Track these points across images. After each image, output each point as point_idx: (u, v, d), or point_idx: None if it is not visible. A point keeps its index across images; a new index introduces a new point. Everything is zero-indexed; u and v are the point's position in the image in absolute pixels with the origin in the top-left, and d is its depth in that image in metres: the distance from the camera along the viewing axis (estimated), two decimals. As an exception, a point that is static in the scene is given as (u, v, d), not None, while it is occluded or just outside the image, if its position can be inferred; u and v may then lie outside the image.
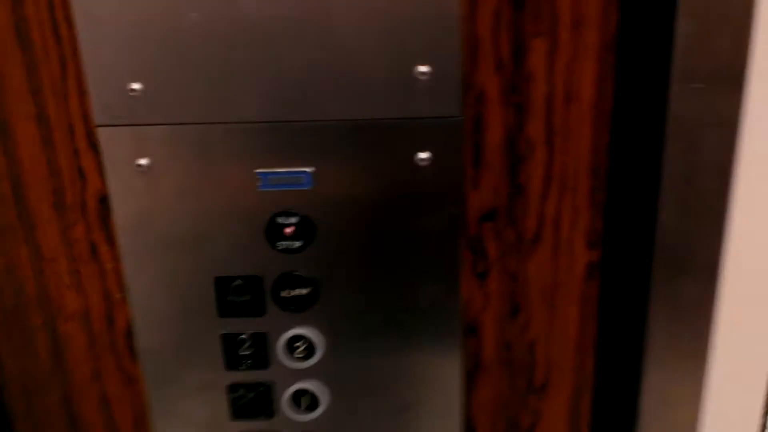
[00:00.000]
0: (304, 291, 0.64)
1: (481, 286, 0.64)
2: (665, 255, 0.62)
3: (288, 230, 0.61)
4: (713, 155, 0.58)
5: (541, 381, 0.68)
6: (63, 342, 0.68)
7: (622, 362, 0.68)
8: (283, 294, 0.64)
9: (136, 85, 0.57)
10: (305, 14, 0.55)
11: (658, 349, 0.68)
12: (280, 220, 0.61)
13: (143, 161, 0.59)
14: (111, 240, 0.63)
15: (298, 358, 0.66)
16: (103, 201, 0.61)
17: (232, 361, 0.66)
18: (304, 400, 0.69)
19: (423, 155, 0.58)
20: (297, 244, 0.61)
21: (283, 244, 0.61)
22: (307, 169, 0.59)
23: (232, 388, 0.68)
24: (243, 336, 0.66)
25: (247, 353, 0.66)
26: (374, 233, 0.62)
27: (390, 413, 0.70)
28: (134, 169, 0.59)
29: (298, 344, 0.66)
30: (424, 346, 0.66)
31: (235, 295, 0.64)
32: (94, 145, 0.59)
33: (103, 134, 0.58)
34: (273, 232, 0.61)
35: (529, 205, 0.60)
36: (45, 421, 0.71)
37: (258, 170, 0.59)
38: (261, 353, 0.66)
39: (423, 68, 0.55)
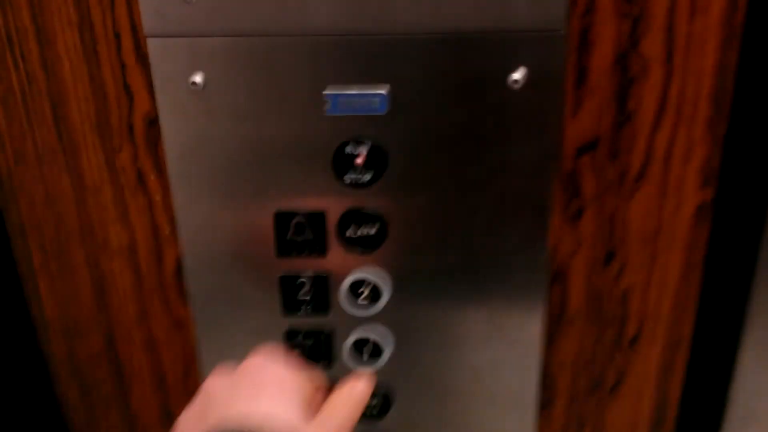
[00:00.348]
0: (371, 230, 0.57)
1: (573, 228, 0.56)
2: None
3: (358, 160, 0.53)
4: None
5: (631, 335, 0.61)
6: (107, 280, 0.61)
7: (724, 318, 0.61)
8: (349, 233, 0.57)
9: (189, -11, 0.49)
10: None
11: (763, 303, 0.60)
12: (349, 149, 0.53)
13: (197, 78, 0.51)
14: (160, 168, 0.56)
15: (361, 303, 0.60)
16: (152, 123, 0.54)
17: (291, 306, 0.60)
18: (367, 350, 0.62)
19: (517, 75, 0.49)
20: (367, 176, 0.54)
21: (351, 176, 0.54)
22: (382, 91, 0.51)
23: (290, 334, 0.61)
24: (303, 278, 0.59)
25: (306, 297, 0.60)
26: (454, 165, 0.54)
27: (459, 367, 0.63)
28: (187, 87, 0.52)
29: (362, 289, 0.59)
30: (502, 293, 0.59)
31: (296, 233, 0.57)
32: (143, 59, 0.52)
33: (153, 46, 0.51)
34: (340, 162, 0.54)
35: (637, 136, 0.52)
36: (86, 365, 0.66)
37: (326, 91, 0.51)
38: (322, 297, 0.60)
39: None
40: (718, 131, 0.51)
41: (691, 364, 0.64)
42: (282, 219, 0.56)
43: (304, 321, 0.61)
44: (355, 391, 0.49)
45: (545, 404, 0.65)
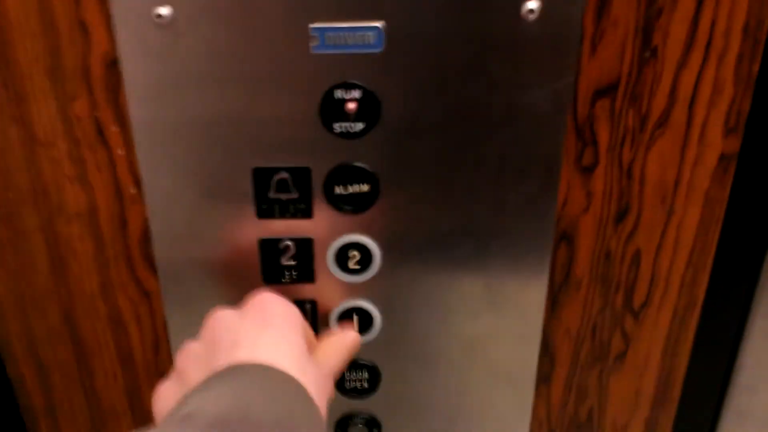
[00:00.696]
0: (363, 187, 0.50)
1: (585, 182, 0.50)
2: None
3: (350, 107, 0.46)
4: None
5: (641, 300, 0.55)
6: (65, 248, 0.54)
7: (736, 283, 0.55)
8: (338, 191, 0.50)
9: None
10: None
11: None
12: (339, 93, 0.46)
13: (164, 11, 0.44)
14: (122, 118, 0.48)
15: (351, 270, 0.53)
16: (112, 66, 0.46)
17: (272, 273, 0.53)
18: (355, 321, 0.56)
19: (531, 4, 0.43)
20: (358, 126, 0.47)
21: (341, 125, 0.47)
22: (377, 24, 0.44)
23: (271, 305, 0.55)
24: (285, 242, 0.52)
25: (290, 263, 0.53)
26: (457, 113, 0.47)
27: (454, 338, 0.57)
28: (152, 22, 0.44)
29: (352, 254, 0.53)
30: (504, 257, 0.53)
31: (279, 191, 0.50)
32: (99, -12, 0.44)
33: (110, -29, 0.43)
34: (329, 109, 0.47)
35: (662, 76, 0.45)
36: (44, 343, 0.58)
37: (313, 25, 0.44)
38: (306, 263, 0.53)
39: None
40: (750, 70, 0.45)
41: (698, 331, 0.58)
42: (262, 175, 0.49)
43: (286, 290, 0.54)
44: (348, 338, 0.50)
45: (545, 376, 0.60)
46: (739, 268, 0.55)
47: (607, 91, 0.46)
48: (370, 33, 0.44)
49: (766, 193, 0.50)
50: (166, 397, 0.44)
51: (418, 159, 0.49)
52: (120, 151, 0.49)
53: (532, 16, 0.43)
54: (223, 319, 0.45)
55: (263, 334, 0.43)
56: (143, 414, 0.62)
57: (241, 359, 0.41)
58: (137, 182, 0.50)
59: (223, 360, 0.41)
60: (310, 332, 0.50)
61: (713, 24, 0.44)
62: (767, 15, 0.43)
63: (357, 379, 0.59)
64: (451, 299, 0.56)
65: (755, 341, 0.58)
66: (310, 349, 0.48)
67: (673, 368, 0.59)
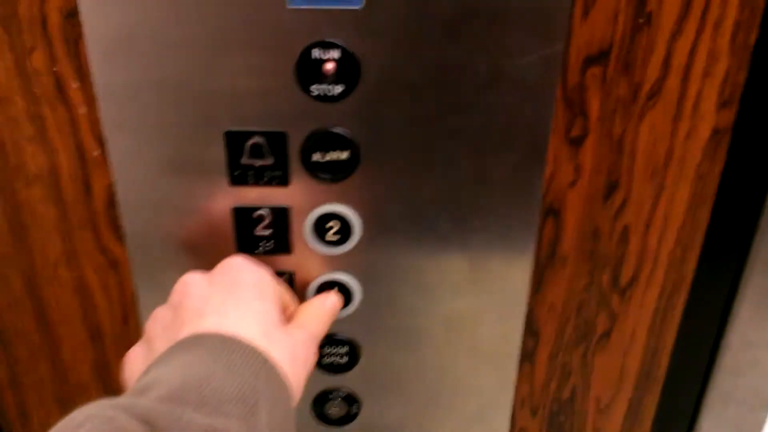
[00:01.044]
0: (342, 154, 0.47)
1: (573, 154, 0.48)
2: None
3: (328, 67, 0.43)
4: None
5: (628, 278, 0.53)
6: (25, 213, 0.51)
7: (727, 261, 0.54)
8: (315, 157, 0.47)
9: None
10: None
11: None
12: (317, 53, 0.43)
13: (128, -41, 0.41)
14: (83, 74, 0.45)
15: (329, 241, 0.51)
16: (71, 16, 0.43)
17: (246, 243, 0.51)
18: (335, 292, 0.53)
19: (522, -36, 0.40)
20: (337, 89, 0.44)
21: (318, 88, 0.44)
22: (358, -20, 0.41)
23: (244, 276, 0.52)
24: (261, 211, 0.49)
25: (265, 233, 0.50)
26: (440, 78, 0.45)
27: (435, 314, 0.55)
28: (115, -29, 0.41)
29: (330, 224, 0.50)
30: (488, 231, 0.51)
31: (252, 157, 0.47)
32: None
33: None
34: (306, 70, 0.44)
35: (656, 44, 0.43)
36: (5, 313, 0.55)
37: (289, -21, 0.41)
38: (283, 234, 0.50)
39: None
40: (747, 40, 0.43)
41: (685, 310, 0.57)
42: (235, 140, 0.47)
43: (262, 261, 0.51)
44: (328, 302, 0.50)
45: (528, 354, 0.58)
46: (728, 247, 0.53)
47: (598, 58, 0.44)
48: (350, -12, 0.41)
49: (759, 169, 0.48)
50: (134, 362, 0.43)
51: (400, 126, 0.47)
52: (82, 110, 0.46)
53: (522, -26, 0.40)
54: (191, 284, 0.43)
55: (229, 302, 0.41)
56: (112, 387, 0.60)
57: (204, 329, 0.39)
58: (101, 144, 0.47)
59: (188, 329, 0.40)
60: (288, 296, 0.49)
61: (712, -12, 0.41)
62: (769, -21, 0.41)
63: (335, 354, 0.57)
64: (432, 274, 0.53)
65: (742, 322, 0.57)
66: (289, 314, 0.47)
67: (659, 348, 0.57)
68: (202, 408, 0.34)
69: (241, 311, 0.41)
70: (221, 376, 0.36)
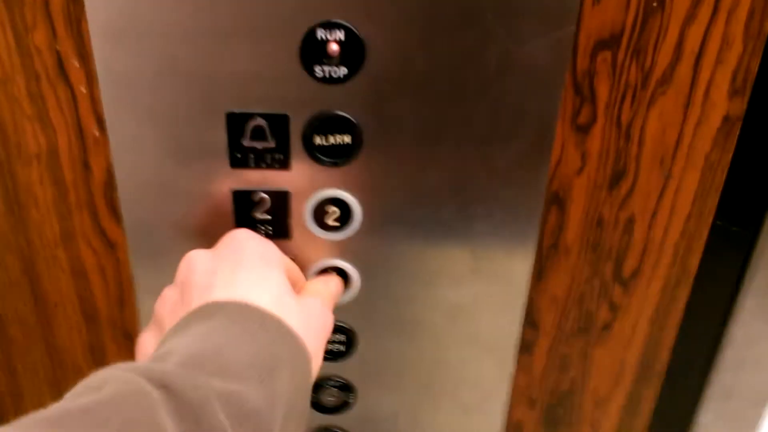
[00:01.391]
0: (345, 138, 0.46)
1: (581, 141, 0.46)
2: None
3: (332, 48, 0.42)
4: None
5: (631, 269, 0.52)
6: (23, 193, 0.50)
7: (733, 254, 0.52)
8: (317, 141, 0.46)
9: None
10: None
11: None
12: (321, 34, 0.42)
13: (130, -68, 0.39)
14: (84, 52, 0.44)
15: (329, 227, 0.49)
16: (73, -8, 0.42)
17: (245, 227, 0.49)
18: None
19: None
20: (341, 71, 0.43)
21: (322, 69, 0.43)
22: (365, -42, 0.40)
23: (243, 261, 0.51)
24: (261, 194, 0.48)
25: (264, 217, 0.49)
26: (448, 61, 0.43)
27: (435, 303, 0.54)
28: (117, -56, 0.40)
29: (330, 209, 0.49)
30: (491, 219, 0.50)
31: (254, 139, 0.46)
32: None
33: None
34: (310, 51, 0.43)
35: (668, 29, 0.42)
36: (2, 294, 0.54)
37: (295, -44, 0.40)
38: (282, 218, 0.49)
39: None
40: (762, 27, 0.42)
41: (688, 304, 0.56)
42: (236, 121, 0.45)
43: (260, 245, 0.50)
44: (332, 282, 0.50)
45: (527, 345, 0.57)
46: (734, 240, 0.52)
47: (609, 42, 0.43)
48: (357, -33, 0.40)
49: (767, 158, 0.47)
50: (145, 345, 0.42)
51: (404, 110, 0.45)
52: (83, 89, 0.45)
53: (533, -45, 0.39)
54: (196, 260, 0.43)
55: (238, 272, 0.40)
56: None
57: (216, 299, 0.38)
58: (101, 124, 0.46)
59: (197, 303, 0.39)
60: (296, 271, 0.48)
61: (727, -28, 0.40)
62: (786, -36, 0.40)
63: (332, 341, 0.56)
64: (433, 263, 0.52)
65: (745, 317, 0.56)
66: (298, 288, 0.46)
67: (660, 341, 0.56)
68: (219, 373, 0.33)
69: (250, 281, 0.40)
70: (238, 342, 0.35)
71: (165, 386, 0.31)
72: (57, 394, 0.32)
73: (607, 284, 0.53)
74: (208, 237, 0.50)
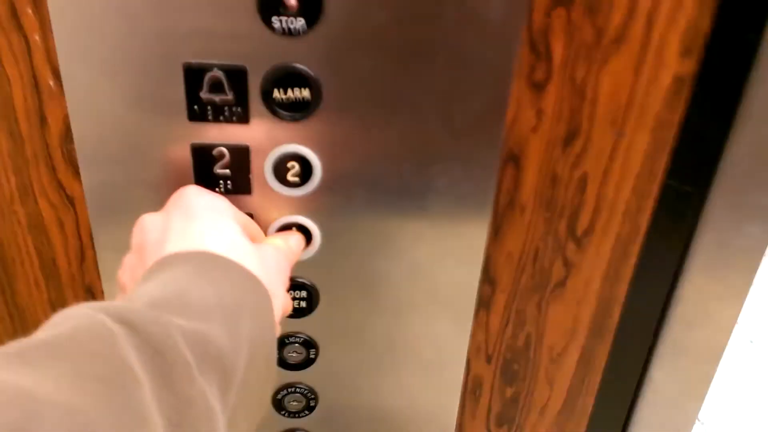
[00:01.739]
0: (303, 93, 0.46)
1: (536, 99, 0.47)
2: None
3: (290, 1, 0.42)
4: None
5: (584, 227, 0.53)
6: (-22, 145, 0.49)
7: (682, 212, 0.53)
8: (276, 94, 0.46)
9: None
10: None
11: (720, 205, 0.53)
12: (279, -15, 0.42)
13: None
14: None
15: (290, 183, 0.49)
16: (24, -64, 0.41)
17: (205, 182, 0.49)
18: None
19: None
20: (299, 23, 0.43)
21: (280, 20, 0.43)
22: None
23: (203, 216, 0.51)
24: (220, 148, 0.48)
25: (224, 172, 0.49)
26: (405, 15, 0.43)
27: (394, 259, 0.54)
28: None
29: (291, 165, 0.49)
30: (448, 177, 0.50)
31: (212, 92, 0.45)
32: None
33: None
34: (268, 2, 0.42)
35: (619, -12, 0.42)
36: (-42, 247, 0.53)
37: None
38: (243, 173, 0.49)
39: None
40: (712, -11, 0.42)
41: (639, 261, 0.57)
42: (193, 74, 0.45)
43: (220, 201, 0.50)
44: (292, 238, 0.50)
45: (485, 301, 0.58)
46: (684, 198, 0.53)
47: (563, 1, 0.43)
48: None
49: (717, 119, 0.48)
50: None
51: (363, 65, 0.45)
52: (37, 38, 0.44)
53: None
54: (147, 222, 0.42)
55: (191, 224, 0.41)
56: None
57: (172, 251, 0.38)
58: (56, 74, 0.45)
59: (154, 258, 0.39)
60: (254, 226, 0.48)
61: (679, -70, 0.40)
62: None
63: (294, 297, 0.56)
64: (392, 220, 0.52)
65: (695, 275, 0.57)
66: (257, 243, 0.45)
67: (612, 298, 0.57)
68: (183, 314, 0.33)
69: (204, 231, 0.40)
70: (200, 286, 0.35)
71: (127, 322, 0.31)
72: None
73: (561, 241, 0.54)
74: (168, 191, 0.49)
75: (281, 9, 0.42)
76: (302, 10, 0.42)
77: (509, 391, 0.64)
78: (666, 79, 0.46)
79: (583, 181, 0.50)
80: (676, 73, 0.45)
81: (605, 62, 0.45)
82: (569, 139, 0.48)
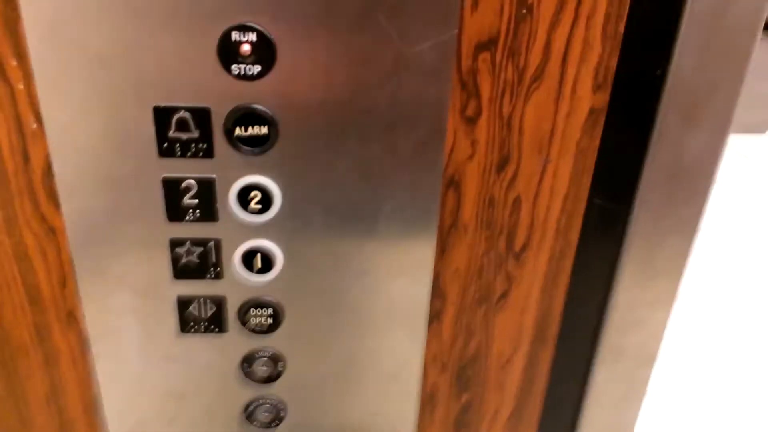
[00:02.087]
0: (262, 129, 0.50)
1: (470, 131, 0.52)
2: (673, 106, 0.52)
3: (245, 49, 0.47)
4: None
5: (521, 243, 0.58)
6: (-33, 183, 0.53)
7: (609, 227, 0.59)
8: (237, 132, 0.50)
9: None
10: None
11: (643, 220, 0.59)
12: (236, 36, 0.46)
13: (60, -54, 0.43)
14: (21, 52, 0.47)
15: (252, 210, 0.54)
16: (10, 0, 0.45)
17: (175, 212, 0.53)
18: (257, 262, 0.57)
19: (417, -41, 0.44)
20: (256, 69, 0.48)
21: (239, 67, 0.47)
22: (272, -30, 0.44)
23: (175, 242, 0.55)
24: (188, 181, 0.52)
25: (192, 203, 0.53)
26: (350, 60, 0.48)
27: (351, 277, 0.59)
28: (48, -44, 0.43)
29: (253, 194, 0.53)
30: (397, 201, 0.55)
31: (179, 131, 0.50)
32: None
33: None
34: (226, 52, 0.47)
35: (537, 33, 0.47)
36: (-52, 275, 0.57)
37: (210, -32, 0.44)
38: (209, 203, 0.53)
39: None
40: (617, 29, 0.48)
41: (573, 273, 0.62)
42: (162, 114, 0.49)
43: (190, 228, 0.54)
44: None
45: (436, 315, 0.62)
46: (611, 216, 0.58)
47: (488, 45, 0.48)
48: (265, -22, 0.44)
49: (630, 144, 0.53)
50: None
51: (315, 104, 0.50)
52: (20, 86, 0.48)
53: (416, -31, 0.44)
54: None
55: None
56: (53, 350, 0.62)
57: None
58: (38, 117, 0.49)
59: None
60: None
61: (582, -16, 0.46)
62: (629, -22, 0.46)
63: (261, 315, 0.60)
64: (347, 241, 0.57)
65: (625, 283, 0.62)
66: None
67: (551, 308, 0.62)
68: None
69: None
70: None
71: None
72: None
73: (501, 257, 0.59)
74: (141, 222, 0.54)
75: (239, 58, 0.47)
76: (258, 59, 0.47)
77: (464, 397, 0.68)
78: (583, 111, 0.51)
79: (517, 203, 0.55)
80: (592, 105, 0.51)
81: (528, 98, 0.50)
82: (502, 165, 0.53)
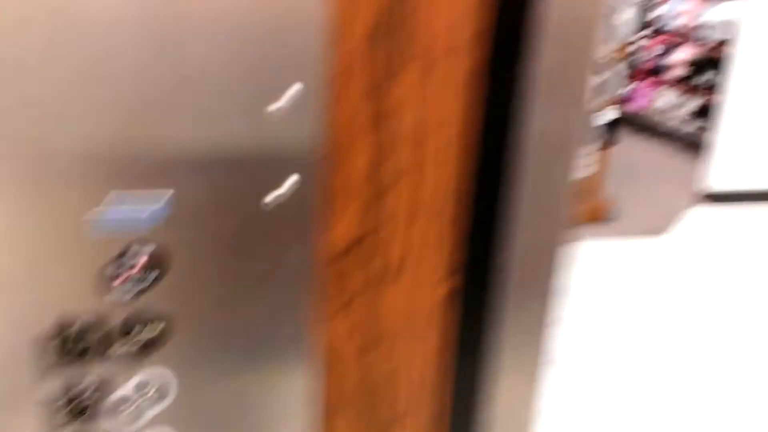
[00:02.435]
0: (151, 333, 0.55)
1: (347, 315, 0.58)
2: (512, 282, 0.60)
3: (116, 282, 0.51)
4: (557, 185, 0.56)
5: (403, 409, 0.63)
6: None
7: (474, 384, 0.65)
8: (126, 338, 0.54)
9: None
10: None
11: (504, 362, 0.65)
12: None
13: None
14: None
15: (149, 399, 0.57)
16: None
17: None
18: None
19: (269, 199, 0.52)
20: (143, 284, 0.52)
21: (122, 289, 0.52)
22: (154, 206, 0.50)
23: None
24: (85, 383, 0.55)
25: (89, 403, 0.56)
26: (226, 273, 0.54)
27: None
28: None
29: (147, 389, 0.57)
30: (278, 385, 0.60)
31: (76, 341, 0.53)
32: None
33: None
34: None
35: (396, 233, 0.55)
36: None
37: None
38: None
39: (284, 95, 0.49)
40: (463, 228, 0.56)
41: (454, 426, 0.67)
42: (59, 329, 0.53)
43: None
44: None
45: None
46: (472, 376, 0.64)
47: (355, 245, 0.55)
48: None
49: (480, 318, 0.60)
50: None
51: (206, 306, 0.55)
52: None
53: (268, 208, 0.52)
54: None
55: None
56: None
57: None
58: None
59: None
60: None
61: (432, 194, 0.54)
62: (469, 189, 0.54)
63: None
64: (232, 399, 0.60)
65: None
66: None
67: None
68: None
69: None
70: None
71: None
72: None
73: (384, 425, 0.64)
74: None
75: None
76: (147, 275, 0.52)
77: None
78: (440, 293, 0.58)
79: (393, 374, 0.61)
80: (447, 288, 0.58)
81: (393, 285, 0.57)
82: (377, 343, 0.59)
